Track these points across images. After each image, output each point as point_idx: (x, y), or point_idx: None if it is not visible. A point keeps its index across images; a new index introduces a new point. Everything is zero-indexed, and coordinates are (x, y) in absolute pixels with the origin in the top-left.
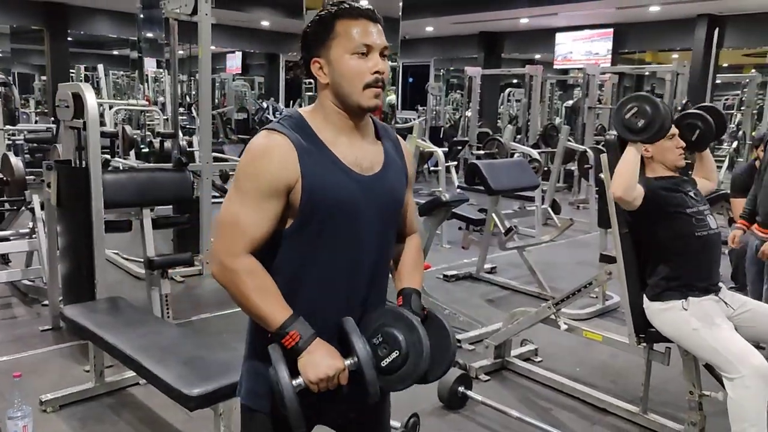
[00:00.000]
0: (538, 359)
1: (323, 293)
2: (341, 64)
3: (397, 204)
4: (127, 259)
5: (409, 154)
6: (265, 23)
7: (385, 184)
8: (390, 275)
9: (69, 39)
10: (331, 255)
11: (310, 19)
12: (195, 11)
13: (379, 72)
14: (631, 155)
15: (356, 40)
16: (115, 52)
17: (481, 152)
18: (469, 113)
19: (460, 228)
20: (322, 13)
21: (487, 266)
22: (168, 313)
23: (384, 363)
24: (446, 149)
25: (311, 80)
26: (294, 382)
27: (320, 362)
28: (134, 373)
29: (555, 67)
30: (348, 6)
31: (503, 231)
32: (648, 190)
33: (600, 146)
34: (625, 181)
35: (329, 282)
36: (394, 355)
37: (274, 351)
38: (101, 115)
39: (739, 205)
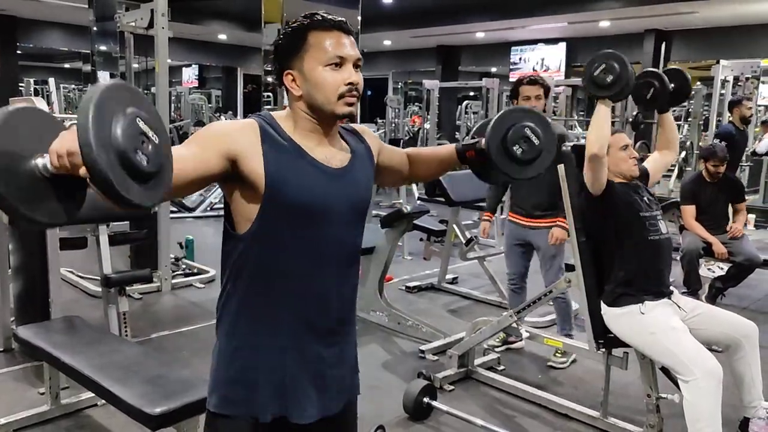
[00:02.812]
0: (501, 367)
1: (295, 289)
2: (315, 76)
3: (364, 198)
4: (82, 277)
5: (369, 134)
6: (222, 36)
7: (353, 178)
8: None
9: (18, 52)
10: (300, 249)
11: (276, 31)
12: (151, 25)
13: (352, 83)
14: (602, 112)
15: (329, 51)
16: (67, 65)
17: None
18: (427, 125)
19: (421, 239)
20: (295, 24)
21: (448, 277)
22: (126, 331)
23: (523, 156)
24: None
25: (269, 94)
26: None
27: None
28: (91, 394)
29: (511, 79)
30: (320, 17)
31: (464, 241)
32: (608, 184)
33: None
34: (600, 137)
35: (301, 276)
36: (536, 148)
37: None
38: None
39: (688, 212)
